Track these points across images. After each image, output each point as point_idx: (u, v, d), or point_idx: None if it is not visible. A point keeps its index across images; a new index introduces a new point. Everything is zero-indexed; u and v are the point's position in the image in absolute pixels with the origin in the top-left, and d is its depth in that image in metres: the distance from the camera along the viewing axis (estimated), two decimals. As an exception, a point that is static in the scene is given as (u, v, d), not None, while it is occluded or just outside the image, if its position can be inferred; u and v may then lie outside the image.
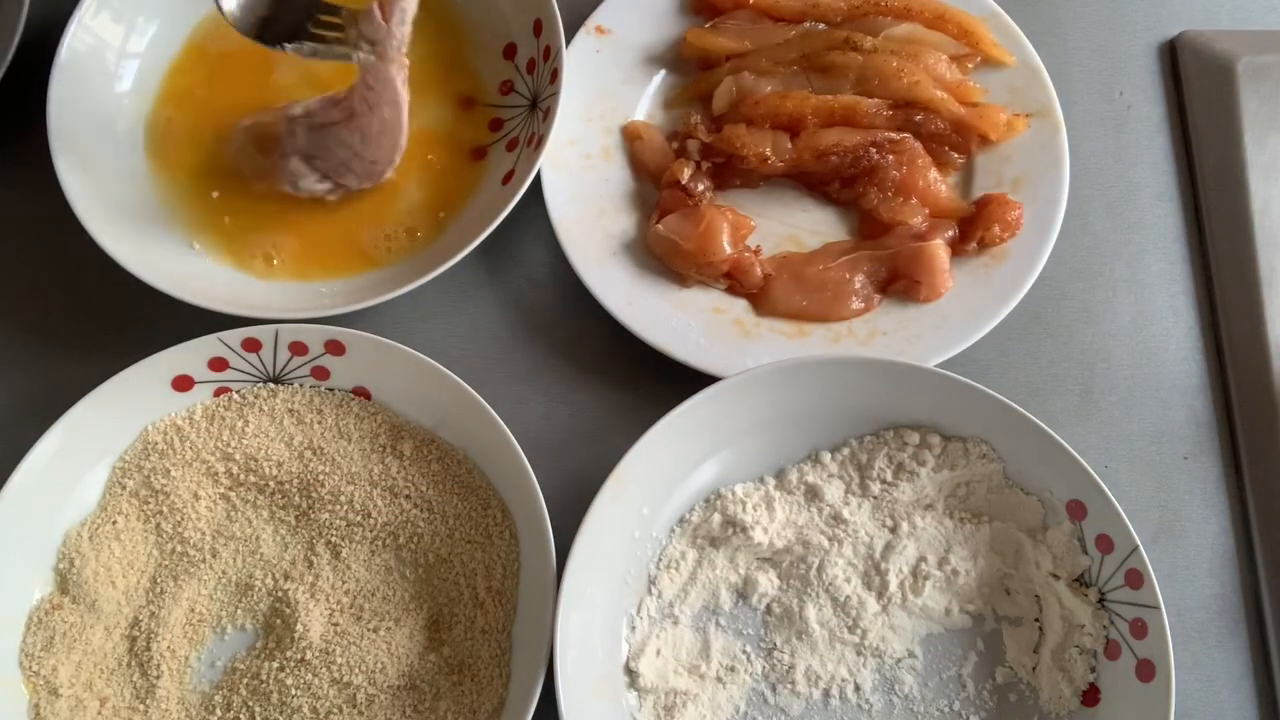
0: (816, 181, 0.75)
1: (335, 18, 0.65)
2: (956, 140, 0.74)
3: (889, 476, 0.65)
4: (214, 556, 0.64)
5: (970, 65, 0.76)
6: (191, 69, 0.75)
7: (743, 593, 0.65)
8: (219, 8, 0.63)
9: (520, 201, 0.67)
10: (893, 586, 0.63)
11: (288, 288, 0.70)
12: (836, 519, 0.65)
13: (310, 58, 0.66)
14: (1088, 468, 0.61)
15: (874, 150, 0.72)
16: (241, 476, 0.65)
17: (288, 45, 0.65)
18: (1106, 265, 0.75)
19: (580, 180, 0.73)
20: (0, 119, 0.74)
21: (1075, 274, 0.75)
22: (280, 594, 0.63)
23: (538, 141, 0.69)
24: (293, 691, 0.61)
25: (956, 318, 0.69)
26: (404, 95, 0.66)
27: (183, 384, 0.65)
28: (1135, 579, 0.60)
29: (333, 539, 0.64)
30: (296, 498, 0.65)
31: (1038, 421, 0.62)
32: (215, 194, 0.73)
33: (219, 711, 0.61)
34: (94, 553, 0.63)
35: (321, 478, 0.65)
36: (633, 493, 0.62)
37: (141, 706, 0.61)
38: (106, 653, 0.62)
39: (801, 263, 0.72)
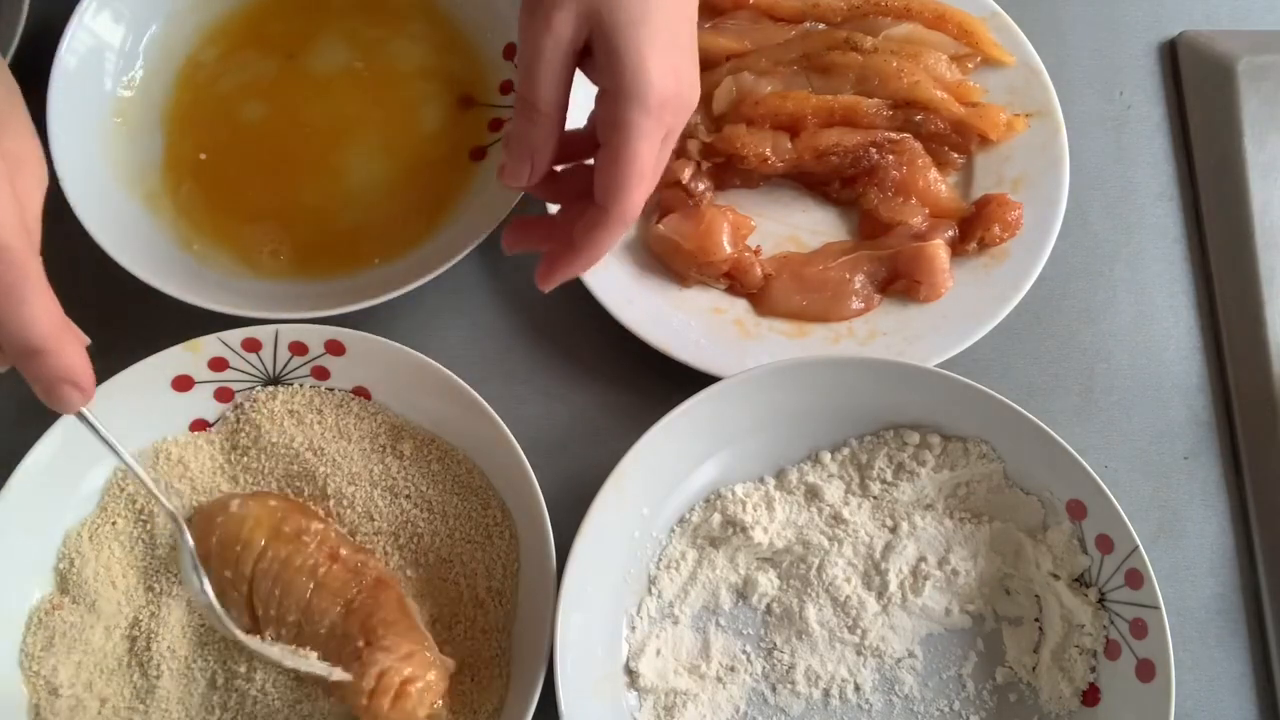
0: (816, 181, 0.74)
1: None
2: (956, 140, 0.74)
3: (889, 476, 0.65)
4: (214, 556, 0.64)
5: (970, 65, 0.76)
6: (191, 67, 0.75)
7: (743, 593, 0.65)
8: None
9: (520, 202, 0.67)
10: (893, 586, 0.63)
11: (288, 287, 0.70)
12: (836, 519, 0.65)
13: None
14: (1088, 468, 0.61)
15: (874, 150, 0.72)
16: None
17: None
18: (1106, 265, 0.75)
19: (580, 180, 0.73)
20: (0, 119, 0.74)
21: (1075, 274, 0.75)
22: (280, 594, 0.63)
23: (538, 141, 0.69)
24: (293, 691, 0.61)
25: (956, 318, 0.69)
26: None
27: (183, 384, 0.65)
28: (1135, 579, 0.60)
29: (333, 539, 0.64)
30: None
31: (1038, 421, 0.61)
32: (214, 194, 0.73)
33: (219, 711, 0.61)
34: (94, 553, 0.62)
35: (322, 478, 0.64)
36: (633, 493, 0.62)
37: (141, 706, 0.61)
38: (106, 653, 0.62)
39: (801, 263, 0.72)
